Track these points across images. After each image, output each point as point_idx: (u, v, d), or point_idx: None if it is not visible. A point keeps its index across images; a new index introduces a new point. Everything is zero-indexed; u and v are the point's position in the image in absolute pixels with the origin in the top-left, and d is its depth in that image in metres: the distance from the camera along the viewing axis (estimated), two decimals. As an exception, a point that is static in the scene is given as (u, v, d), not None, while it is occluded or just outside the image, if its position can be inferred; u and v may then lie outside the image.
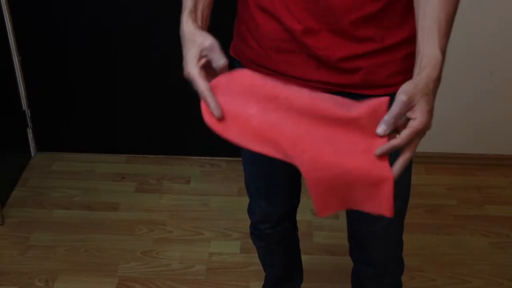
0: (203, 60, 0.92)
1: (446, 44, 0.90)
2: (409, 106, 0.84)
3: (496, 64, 2.23)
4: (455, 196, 2.27)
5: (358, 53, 1.02)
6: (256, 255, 1.61)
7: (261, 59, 1.09)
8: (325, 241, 2.03)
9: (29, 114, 2.40)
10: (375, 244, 1.28)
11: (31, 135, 2.45)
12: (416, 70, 0.88)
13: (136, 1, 2.17)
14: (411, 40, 1.05)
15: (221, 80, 0.92)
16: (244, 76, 0.93)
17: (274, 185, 1.32)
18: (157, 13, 2.17)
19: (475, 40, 2.18)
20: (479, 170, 2.42)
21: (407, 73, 1.10)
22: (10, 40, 2.23)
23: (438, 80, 0.87)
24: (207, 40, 0.92)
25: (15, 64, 2.28)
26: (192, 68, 0.91)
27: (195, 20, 0.97)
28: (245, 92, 0.91)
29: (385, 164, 0.85)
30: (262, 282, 1.73)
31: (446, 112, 2.34)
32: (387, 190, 0.87)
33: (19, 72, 2.30)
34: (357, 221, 1.27)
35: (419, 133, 0.85)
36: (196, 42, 0.92)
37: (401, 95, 0.83)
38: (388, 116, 0.84)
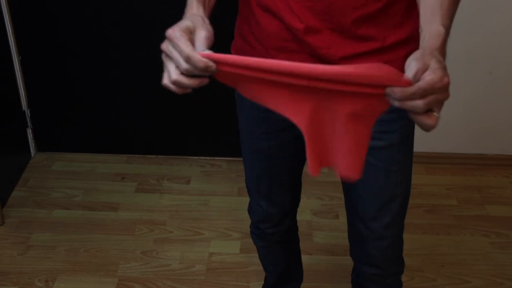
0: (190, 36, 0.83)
1: (450, 25, 0.87)
2: (424, 67, 0.79)
3: (496, 64, 2.23)
4: (455, 196, 2.27)
5: (359, 52, 1.02)
6: (256, 255, 1.61)
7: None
8: (325, 241, 2.03)
9: (29, 114, 2.40)
10: (375, 243, 1.27)
11: (31, 135, 2.45)
12: (421, 42, 0.86)
13: (136, 1, 2.17)
14: (412, 39, 1.06)
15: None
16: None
17: (274, 184, 1.33)
18: (157, 13, 2.17)
19: (475, 40, 2.18)
20: (479, 170, 2.42)
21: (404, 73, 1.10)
22: (10, 40, 2.23)
23: (441, 49, 0.84)
24: (203, 31, 0.84)
25: (15, 64, 2.28)
26: (177, 31, 0.82)
27: (203, 5, 0.93)
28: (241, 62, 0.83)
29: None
30: (262, 282, 1.73)
31: (446, 112, 2.34)
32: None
33: (19, 72, 2.30)
34: (358, 220, 1.27)
35: (432, 86, 0.78)
36: (195, 22, 0.85)
37: (412, 59, 0.79)
38: (408, 90, 0.79)
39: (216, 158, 2.46)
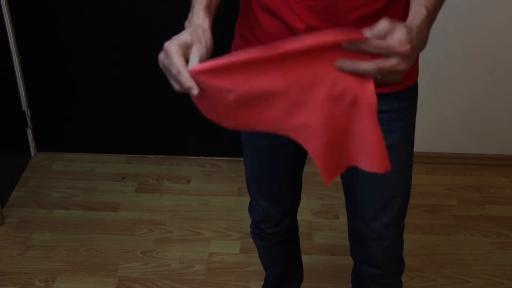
0: (183, 51, 0.86)
1: (433, 8, 0.87)
2: (389, 28, 0.78)
3: (495, 64, 2.23)
4: (455, 196, 2.27)
5: None
6: (256, 255, 1.61)
7: None
8: (325, 241, 2.03)
9: (29, 114, 2.40)
10: (375, 243, 1.27)
11: (31, 135, 2.45)
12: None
13: (136, 1, 2.17)
14: None
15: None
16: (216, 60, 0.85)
17: (275, 183, 1.33)
18: (157, 13, 2.17)
19: (475, 40, 2.18)
20: (479, 170, 2.42)
21: (407, 73, 1.10)
22: (10, 40, 2.23)
23: (420, 27, 0.83)
24: (202, 45, 0.86)
25: (15, 64, 2.28)
26: (174, 45, 0.86)
27: (209, 14, 0.93)
28: (221, 72, 0.84)
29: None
30: (262, 282, 1.73)
31: (446, 112, 2.35)
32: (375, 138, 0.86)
33: (19, 72, 2.30)
34: (358, 220, 1.27)
35: (392, 68, 0.79)
36: (201, 40, 0.86)
37: (382, 23, 0.78)
38: (370, 31, 0.79)
39: (216, 158, 2.46)
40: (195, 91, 0.84)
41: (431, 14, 0.88)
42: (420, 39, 0.83)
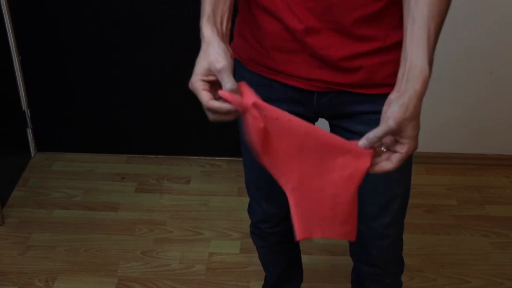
0: (211, 77, 0.90)
1: (433, 57, 0.90)
2: (396, 131, 0.86)
3: (495, 64, 2.23)
4: (455, 196, 2.27)
5: (359, 52, 1.02)
6: (256, 255, 1.61)
7: (262, 59, 1.09)
8: (325, 241, 2.03)
9: (29, 114, 2.40)
10: (375, 243, 1.27)
11: (31, 135, 2.45)
12: (403, 79, 0.88)
13: (136, 1, 2.17)
14: None
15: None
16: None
17: (274, 184, 1.32)
18: (157, 13, 2.17)
19: (475, 40, 2.18)
20: (479, 170, 2.42)
21: None
22: (10, 40, 2.23)
23: (423, 95, 0.88)
24: (219, 63, 0.87)
25: (15, 64, 2.28)
26: (196, 81, 0.90)
27: (214, 24, 0.93)
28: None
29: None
30: (262, 282, 1.73)
31: (446, 112, 2.35)
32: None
33: (19, 72, 2.30)
34: (358, 219, 1.27)
35: (408, 157, 0.89)
36: (209, 58, 0.89)
37: (391, 121, 0.85)
38: (373, 135, 0.86)
39: (216, 158, 2.46)
40: (231, 110, 0.88)
41: (431, 67, 0.89)
42: (419, 105, 0.88)
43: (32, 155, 2.48)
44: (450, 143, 2.42)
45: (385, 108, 0.87)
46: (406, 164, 1.19)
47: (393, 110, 0.85)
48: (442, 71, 2.23)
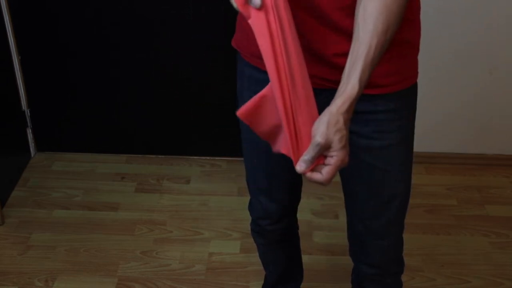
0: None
1: (369, 74, 0.92)
2: (326, 146, 0.90)
3: (496, 63, 2.23)
4: (455, 196, 2.27)
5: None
6: (256, 255, 1.61)
7: (260, 53, 1.10)
8: (325, 241, 2.03)
9: (29, 114, 2.40)
10: (375, 243, 1.27)
11: (31, 135, 2.45)
12: (337, 93, 0.93)
13: (136, 1, 2.17)
14: (405, 40, 1.06)
15: None
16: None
17: (274, 179, 1.32)
18: (157, 13, 2.17)
19: (475, 40, 2.18)
20: (479, 170, 2.42)
21: (400, 74, 1.10)
22: (10, 40, 2.23)
23: (348, 111, 0.91)
24: None
25: (15, 64, 2.28)
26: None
27: None
28: None
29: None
30: (262, 282, 1.73)
31: (446, 112, 2.35)
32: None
33: (19, 72, 2.30)
34: (357, 220, 1.27)
35: (338, 168, 0.92)
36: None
37: (317, 137, 0.90)
38: (307, 156, 0.91)
39: (216, 158, 2.46)
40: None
41: (363, 85, 0.92)
42: (349, 117, 0.92)
43: (32, 155, 2.48)
44: (450, 143, 2.42)
45: (312, 133, 0.92)
46: (406, 164, 1.19)
47: (317, 127, 0.91)
48: (442, 71, 2.23)
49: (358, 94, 0.91)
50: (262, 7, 0.88)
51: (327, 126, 0.90)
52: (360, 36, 0.91)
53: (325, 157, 0.92)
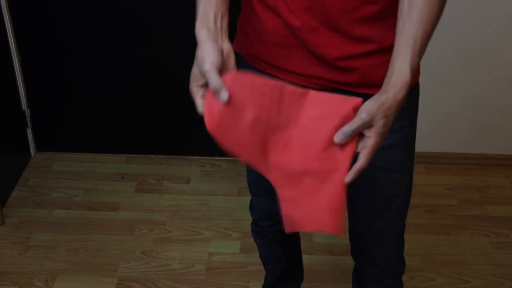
0: (203, 80, 0.92)
1: (419, 62, 0.92)
2: (368, 125, 0.88)
3: (496, 63, 2.23)
4: (455, 196, 2.27)
5: (355, 53, 1.03)
6: (256, 255, 1.61)
7: (262, 54, 1.10)
8: (325, 241, 2.03)
9: (29, 114, 2.40)
10: (376, 243, 1.27)
11: (31, 135, 2.45)
12: (385, 84, 0.91)
13: (136, 1, 2.17)
14: None
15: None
16: (245, 78, 0.91)
17: None
18: (157, 13, 2.17)
19: (475, 40, 2.18)
20: (479, 170, 2.42)
21: None
22: (10, 40, 2.23)
23: (403, 100, 0.90)
24: (205, 65, 0.90)
25: (15, 64, 2.28)
26: (191, 88, 0.94)
27: (207, 23, 0.96)
28: (245, 94, 0.90)
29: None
30: (262, 282, 1.73)
31: (446, 112, 2.35)
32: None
33: (19, 72, 2.30)
34: (359, 220, 1.27)
35: (374, 150, 0.89)
36: (197, 61, 0.92)
37: (363, 114, 0.87)
38: (348, 128, 0.88)
39: (216, 158, 2.46)
40: (225, 94, 0.88)
41: (415, 72, 0.91)
42: (400, 107, 0.90)
43: (32, 155, 2.48)
44: (450, 143, 2.42)
45: (360, 109, 0.89)
46: (407, 165, 1.19)
47: (366, 104, 0.88)
48: (442, 71, 2.23)
49: (411, 82, 0.90)
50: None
51: (379, 106, 0.87)
52: (406, 26, 0.91)
53: (362, 136, 0.89)
